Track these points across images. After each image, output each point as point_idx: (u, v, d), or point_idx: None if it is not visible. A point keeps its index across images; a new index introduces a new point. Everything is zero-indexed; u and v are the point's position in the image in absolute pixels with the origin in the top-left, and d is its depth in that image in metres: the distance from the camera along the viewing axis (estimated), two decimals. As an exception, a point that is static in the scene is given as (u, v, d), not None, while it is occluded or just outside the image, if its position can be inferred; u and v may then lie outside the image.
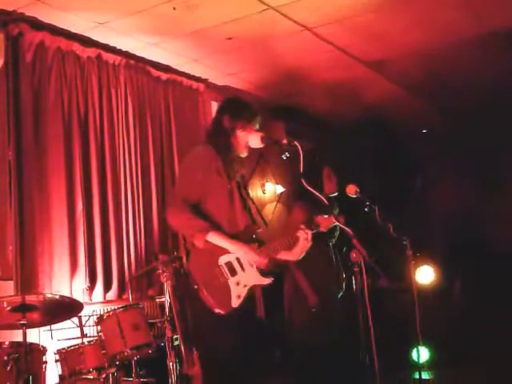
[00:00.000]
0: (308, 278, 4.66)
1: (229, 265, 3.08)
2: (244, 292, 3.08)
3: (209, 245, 3.03)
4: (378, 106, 7.68)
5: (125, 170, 5.47)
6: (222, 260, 3.08)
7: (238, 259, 3.11)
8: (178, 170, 3.20)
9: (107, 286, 5.15)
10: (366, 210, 3.96)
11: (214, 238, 3.04)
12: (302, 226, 3.32)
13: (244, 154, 3.37)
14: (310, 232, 3.30)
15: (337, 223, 4.18)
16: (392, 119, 7.96)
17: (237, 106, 3.39)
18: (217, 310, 3.00)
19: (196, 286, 2.98)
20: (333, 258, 4.88)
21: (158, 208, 5.71)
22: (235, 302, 3.04)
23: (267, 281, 3.19)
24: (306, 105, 7.56)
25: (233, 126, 3.29)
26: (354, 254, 3.99)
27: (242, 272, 3.10)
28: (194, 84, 6.42)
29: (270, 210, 7.54)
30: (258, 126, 3.35)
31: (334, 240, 4.91)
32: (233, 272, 3.07)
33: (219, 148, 3.22)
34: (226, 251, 3.08)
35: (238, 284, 3.05)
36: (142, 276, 5.26)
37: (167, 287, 4.41)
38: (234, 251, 3.10)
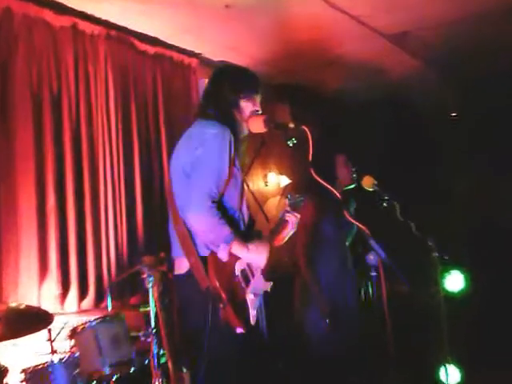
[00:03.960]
0: (321, 283, 4.71)
1: (243, 272, 3.15)
2: (257, 304, 3.16)
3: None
4: (400, 85, 7.75)
5: (104, 157, 5.46)
6: (238, 267, 3.12)
7: (248, 264, 3.18)
8: (197, 158, 3.14)
9: (82, 293, 5.13)
10: (384, 205, 4.05)
11: (237, 249, 3.08)
12: (288, 209, 3.44)
13: (245, 132, 3.39)
14: (298, 216, 3.41)
15: (353, 221, 4.22)
16: (415, 100, 8.02)
17: (236, 72, 3.44)
18: (239, 330, 3.03)
19: (222, 305, 2.99)
20: (349, 260, 4.91)
21: (142, 201, 5.70)
22: (253, 318, 3.11)
23: (269, 286, 3.26)
24: (317, 84, 7.61)
25: (235, 96, 3.32)
26: (371, 257, 4.10)
27: (253, 279, 3.17)
28: (186, 59, 6.43)
29: (273, 205, 7.51)
30: (259, 99, 3.39)
31: (350, 240, 4.95)
32: (247, 280, 3.14)
33: (231, 127, 3.23)
34: (239, 258, 3.13)
35: (253, 295, 3.12)
36: (123, 281, 5.25)
37: (153, 294, 4.39)
38: (248, 258, 3.16)
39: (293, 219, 3.43)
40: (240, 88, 3.34)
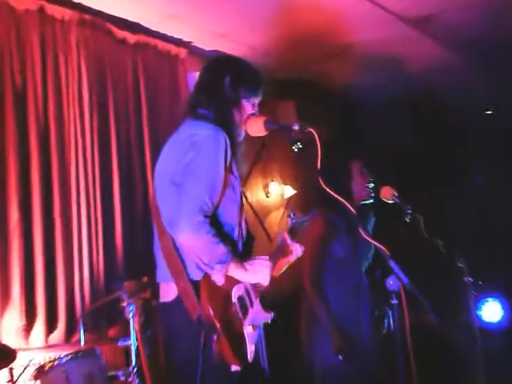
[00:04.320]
0: (332, 313, 4.65)
1: (241, 300, 3.15)
2: (256, 337, 3.16)
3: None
4: (422, 78, 7.77)
5: (77, 163, 5.46)
6: (235, 295, 3.12)
7: (246, 290, 3.19)
8: (188, 165, 3.12)
9: (51, 325, 5.11)
10: (406, 220, 4.06)
11: (234, 271, 3.08)
12: (286, 237, 3.37)
13: (242, 136, 3.39)
14: (300, 247, 3.39)
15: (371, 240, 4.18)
16: (441, 96, 8.05)
17: (239, 65, 3.42)
18: (234, 368, 3.01)
19: (216, 337, 2.98)
20: (365, 286, 4.88)
21: (122, 216, 5.72)
22: (251, 354, 3.09)
23: (270, 317, 3.27)
24: (326, 78, 7.62)
25: (237, 94, 3.32)
26: (390, 281, 4.13)
27: (251, 308, 3.18)
28: (173, 49, 6.48)
29: (276, 220, 7.53)
30: (260, 98, 3.39)
31: (366, 262, 4.92)
32: (245, 310, 3.15)
33: (228, 128, 3.22)
34: (236, 281, 3.13)
35: (251, 327, 3.12)
36: (99, 310, 5.24)
37: (134, 326, 4.41)
38: (246, 279, 3.16)
39: (293, 250, 3.42)
40: (243, 85, 3.32)
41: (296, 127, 3.26)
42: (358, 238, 4.52)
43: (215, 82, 3.34)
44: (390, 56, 7.18)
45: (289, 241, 3.35)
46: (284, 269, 3.44)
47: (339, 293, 4.67)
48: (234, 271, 3.06)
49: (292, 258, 3.40)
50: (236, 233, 3.24)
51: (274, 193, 7.71)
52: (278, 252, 3.37)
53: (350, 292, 4.73)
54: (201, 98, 3.35)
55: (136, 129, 6.04)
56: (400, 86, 7.79)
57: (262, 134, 3.36)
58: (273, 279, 3.26)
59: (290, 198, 7.71)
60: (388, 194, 4.37)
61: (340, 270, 4.73)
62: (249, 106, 3.35)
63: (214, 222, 3.09)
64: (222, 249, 3.02)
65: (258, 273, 3.16)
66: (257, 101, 3.39)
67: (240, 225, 3.28)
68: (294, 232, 3.46)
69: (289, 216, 3.51)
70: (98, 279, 5.44)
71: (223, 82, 3.31)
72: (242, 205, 3.31)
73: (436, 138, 8.16)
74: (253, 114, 3.37)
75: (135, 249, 5.71)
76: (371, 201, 4.83)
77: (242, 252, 3.25)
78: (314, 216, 4.82)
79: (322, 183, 3.23)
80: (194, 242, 3.00)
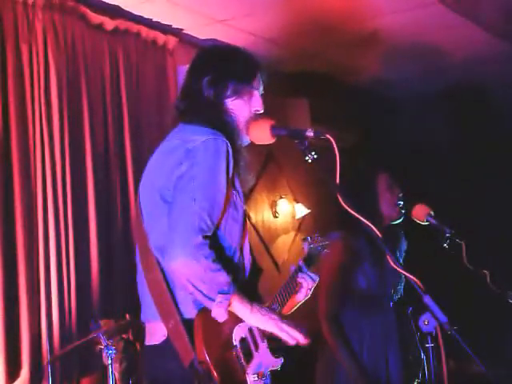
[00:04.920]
0: (355, 357, 4.66)
1: (244, 344, 3.12)
2: None
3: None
4: (466, 71, 7.77)
5: (44, 175, 5.47)
6: (237, 336, 3.10)
7: (250, 331, 3.16)
8: (182, 178, 3.10)
9: (12, 373, 5.10)
10: (445, 245, 4.03)
11: (237, 306, 3.06)
12: (302, 267, 3.44)
13: (245, 142, 3.38)
14: (316, 279, 3.43)
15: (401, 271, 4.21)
16: (488, 92, 8.02)
17: (227, 53, 3.46)
18: None
19: None
20: (394, 326, 4.89)
21: (98, 241, 5.71)
22: None
23: (279, 363, 3.25)
24: (346, 71, 7.63)
25: (226, 90, 3.32)
26: (425, 320, 3.99)
27: (257, 353, 3.15)
28: (160, 37, 6.51)
29: (285, 245, 7.56)
30: (261, 93, 3.42)
31: (395, 296, 4.95)
32: (248, 356, 3.11)
33: (227, 133, 3.23)
34: (239, 319, 3.11)
35: (256, 375, 3.11)
36: (71, 354, 5.23)
37: (114, 373, 4.40)
38: (251, 321, 3.13)
39: (309, 283, 3.45)
40: (233, 77, 3.34)
41: (310, 133, 3.21)
42: (386, 268, 4.55)
43: (199, 77, 3.35)
44: (425, 45, 7.17)
45: (303, 273, 3.42)
46: (298, 305, 3.48)
47: (363, 333, 4.69)
48: (238, 306, 3.04)
49: (304, 296, 3.45)
50: (237, 258, 3.25)
51: (282, 212, 7.69)
52: (288, 286, 3.38)
53: (377, 332, 4.75)
54: (185, 104, 3.39)
55: (115, 133, 6.03)
56: (437, 80, 7.79)
57: (267, 142, 3.35)
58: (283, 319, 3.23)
59: (303, 218, 7.74)
60: (421, 214, 4.35)
61: (364, 306, 4.73)
62: (241, 104, 3.35)
63: (214, 245, 3.07)
64: (224, 277, 3.00)
65: (264, 318, 3.11)
66: (256, 91, 3.38)
67: (242, 250, 3.29)
68: (311, 260, 3.50)
69: (304, 240, 3.56)
70: (69, 317, 5.42)
71: (207, 76, 3.32)
72: (245, 226, 3.31)
73: (482, 142, 8.12)
74: (257, 113, 3.37)
75: (114, 280, 5.70)
76: (399, 219, 4.81)
77: (246, 285, 3.23)
78: (333, 240, 4.88)
79: (342, 201, 3.12)
80: (190, 269, 2.97)
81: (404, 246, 4.92)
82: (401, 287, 4.89)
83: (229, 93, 3.31)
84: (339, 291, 4.72)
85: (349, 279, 4.74)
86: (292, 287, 3.40)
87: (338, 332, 4.64)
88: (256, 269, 3.40)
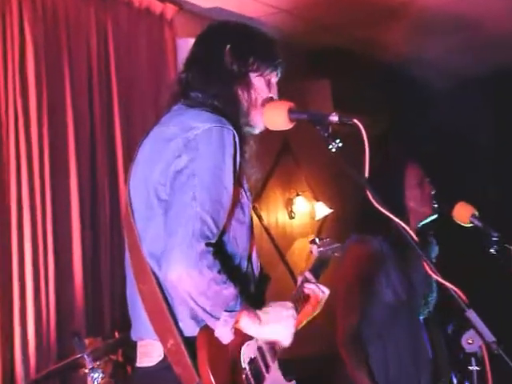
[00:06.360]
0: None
1: (253, 365, 3.15)
2: None
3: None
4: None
5: (19, 168, 5.52)
6: (246, 356, 3.13)
7: (260, 349, 3.21)
8: (180, 172, 3.10)
9: None
10: (492, 251, 4.04)
11: (246, 323, 3.08)
12: (309, 276, 3.51)
13: (257, 129, 3.42)
14: (327, 291, 3.49)
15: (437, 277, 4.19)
16: None
17: (243, 30, 3.49)
18: None
19: None
20: (426, 345, 4.87)
21: (82, 245, 5.73)
22: None
23: None
24: (374, 48, 7.72)
25: (243, 69, 3.35)
26: (469, 340, 3.97)
27: (267, 374, 3.19)
28: (157, 5, 6.55)
29: (303, 252, 7.52)
30: (277, 77, 3.45)
31: (426, 310, 4.93)
32: (258, 377, 3.15)
33: (235, 120, 3.26)
34: (247, 337, 3.14)
35: None
36: (49, 379, 5.15)
37: None
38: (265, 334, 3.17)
39: (317, 296, 3.50)
40: (250, 56, 3.36)
41: (334, 117, 3.19)
42: (414, 276, 4.58)
43: (211, 53, 3.39)
44: (463, 16, 7.19)
45: (310, 284, 3.48)
46: (306, 321, 3.51)
47: (388, 354, 4.69)
48: (247, 323, 3.06)
49: (313, 309, 3.50)
50: (244, 267, 3.28)
51: (300, 212, 7.72)
52: (295, 299, 3.41)
53: (405, 353, 4.74)
54: (193, 76, 3.39)
55: (103, 118, 6.05)
56: (477, 58, 7.84)
57: (284, 128, 3.35)
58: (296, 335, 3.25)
59: (324, 220, 7.79)
60: (464, 215, 4.31)
61: (389, 322, 4.74)
62: (262, 83, 3.39)
63: (218, 252, 3.08)
64: (230, 291, 3.01)
65: (277, 325, 3.14)
66: (274, 78, 3.43)
67: (250, 258, 3.32)
68: (321, 266, 3.57)
69: (312, 242, 3.65)
70: (48, 335, 5.44)
71: (222, 52, 3.35)
72: (252, 230, 3.35)
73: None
74: (271, 99, 3.38)
75: (100, 292, 5.72)
76: (432, 218, 4.82)
77: (254, 297, 3.27)
78: (349, 243, 4.81)
79: (372, 197, 3.12)
80: (191, 281, 2.96)
81: (435, 251, 4.88)
82: (432, 299, 4.89)
83: (255, 66, 3.36)
84: (360, 305, 4.68)
85: (371, 290, 4.71)
86: (300, 300, 3.44)
87: (358, 355, 4.63)
88: (265, 278, 3.46)
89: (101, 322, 5.59)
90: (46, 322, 5.47)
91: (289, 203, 7.67)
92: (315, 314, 3.50)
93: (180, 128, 3.17)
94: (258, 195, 6.88)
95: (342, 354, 4.61)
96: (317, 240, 3.61)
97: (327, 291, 3.50)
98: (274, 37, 3.51)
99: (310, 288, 3.47)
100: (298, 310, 3.34)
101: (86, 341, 4.62)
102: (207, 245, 2.99)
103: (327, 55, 7.43)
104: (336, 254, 3.69)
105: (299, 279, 3.53)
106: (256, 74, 3.36)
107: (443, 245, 4.89)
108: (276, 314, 3.15)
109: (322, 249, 3.60)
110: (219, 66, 3.34)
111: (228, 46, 3.34)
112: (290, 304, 3.22)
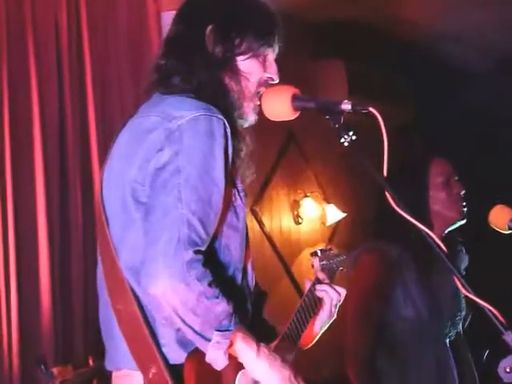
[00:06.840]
0: None
1: None
2: None
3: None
4: None
5: None
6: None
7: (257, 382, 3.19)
8: (162, 169, 3.11)
9: None
10: None
11: (241, 347, 3.08)
12: (323, 276, 3.58)
13: (252, 119, 3.39)
14: (343, 292, 3.53)
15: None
16: None
17: (231, 2, 3.47)
18: None
19: None
20: (453, 372, 4.88)
21: (49, 253, 5.71)
22: None
23: None
24: (396, 21, 7.76)
25: (230, 48, 3.34)
26: (507, 368, 3.98)
27: None
28: None
29: (311, 262, 7.53)
30: (276, 50, 3.43)
31: (454, 330, 4.94)
32: None
33: (225, 108, 3.28)
34: (240, 365, 3.12)
35: None
36: None
37: None
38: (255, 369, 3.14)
39: (332, 296, 3.51)
40: (237, 36, 3.35)
41: (347, 105, 3.21)
42: (440, 291, 4.69)
43: (193, 30, 3.41)
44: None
45: (321, 284, 3.52)
46: (320, 334, 3.54)
47: (409, 382, 4.70)
48: (241, 347, 3.05)
49: (327, 317, 3.51)
50: (240, 283, 3.31)
51: (307, 217, 7.75)
52: (305, 306, 3.47)
53: (429, 382, 4.78)
54: (172, 62, 3.41)
55: (74, 104, 6.03)
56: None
57: (287, 118, 3.38)
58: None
59: (336, 225, 7.83)
60: (503, 220, 4.25)
61: (410, 345, 4.81)
62: (255, 65, 3.38)
63: (209, 262, 3.07)
64: (223, 307, 3.01)
65: (273, 369, 3.13)
66: (271, 54, 3.42)
67: (245, 271, 3.36)
68: (328, 277, 3.59)
69: (313, 254, 3.67)
70: (10, 364, 5.43)
71: (205, 29, 3.36)
72: (247, 237, 3.38)
73: None
74: (270, 80, 3.39)
75: (71, 311, 5.73)
76: (461, 223, 4.87)
77: (250, 317, 3.31)
78: (358, 254, 4.92)
79: (391, 199, 3.10)
80: (176, 296, 2.96)
81: (465, 262, 4.97)
82: (460, 318, 4.92)
83: (243, 48, 3.35)
84: (373, 324, 4.75)
85: (386, 306, 4.78)
86: (311, 307, 3.50)
87: (369, 379, 4.72)
88: (261, 294, 3.54)
89: (71, 347, 5.62)
90: (8, 347, 5.46)
91: (295, 206, 7.68)
92: (331, 321, 3.52)
93: (161, 118, 3.19)
94: (258, 197, 6.97)
95: (351, 375, 4.73)
96: (319, 252, 3.64)
97: (343, 292, 3.54)
98: (272, 6, 3.47)
99: (323, 289, 3.49)
100: (310, 317, 3.46)
101: (54, 369, 4.59)
102: (196, 252, 2.99)
103: (340, 31, 7.44)
104: (341, 269, 3.70)
105: (307, 283, 3.54)
106: (246, 57, 3.36)
107: (475, 254, 4.99)
108: (276, 360, 3.14)
109: (325, 262, 3.61)
110: (201, 51, 3.35)
111: (210, 27, 3.34)
112: (289, 362, 3.20)
